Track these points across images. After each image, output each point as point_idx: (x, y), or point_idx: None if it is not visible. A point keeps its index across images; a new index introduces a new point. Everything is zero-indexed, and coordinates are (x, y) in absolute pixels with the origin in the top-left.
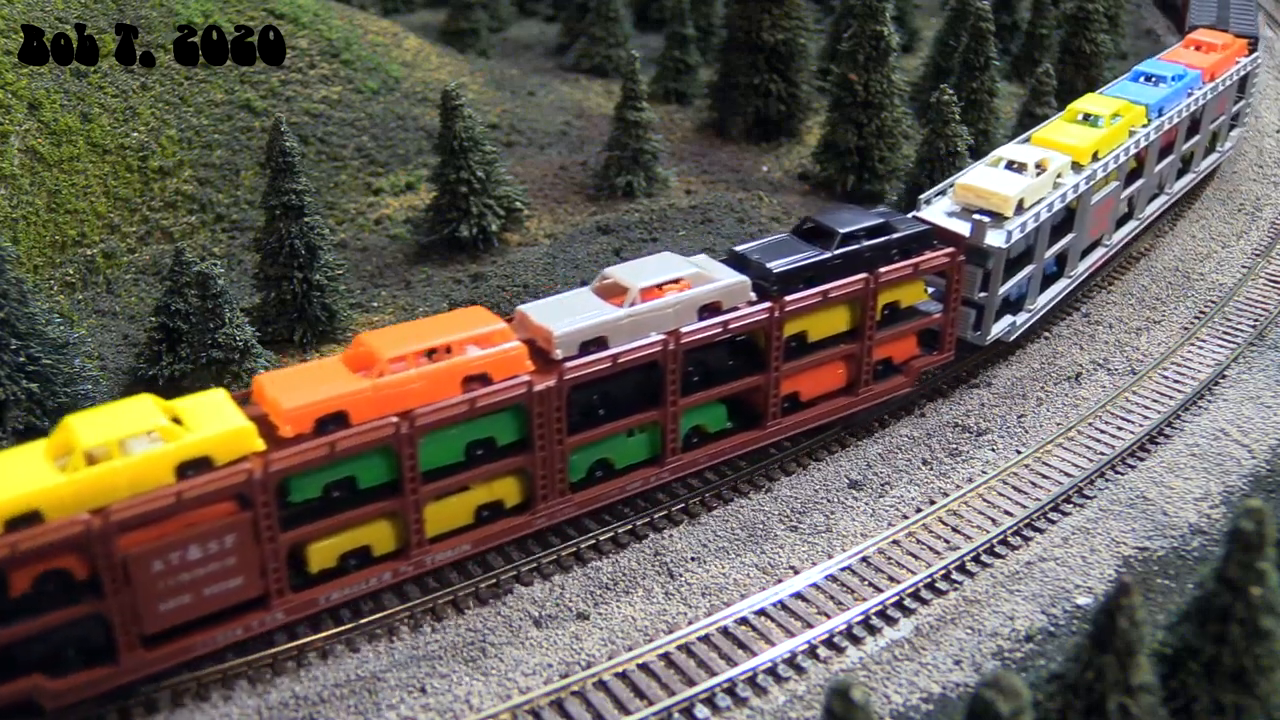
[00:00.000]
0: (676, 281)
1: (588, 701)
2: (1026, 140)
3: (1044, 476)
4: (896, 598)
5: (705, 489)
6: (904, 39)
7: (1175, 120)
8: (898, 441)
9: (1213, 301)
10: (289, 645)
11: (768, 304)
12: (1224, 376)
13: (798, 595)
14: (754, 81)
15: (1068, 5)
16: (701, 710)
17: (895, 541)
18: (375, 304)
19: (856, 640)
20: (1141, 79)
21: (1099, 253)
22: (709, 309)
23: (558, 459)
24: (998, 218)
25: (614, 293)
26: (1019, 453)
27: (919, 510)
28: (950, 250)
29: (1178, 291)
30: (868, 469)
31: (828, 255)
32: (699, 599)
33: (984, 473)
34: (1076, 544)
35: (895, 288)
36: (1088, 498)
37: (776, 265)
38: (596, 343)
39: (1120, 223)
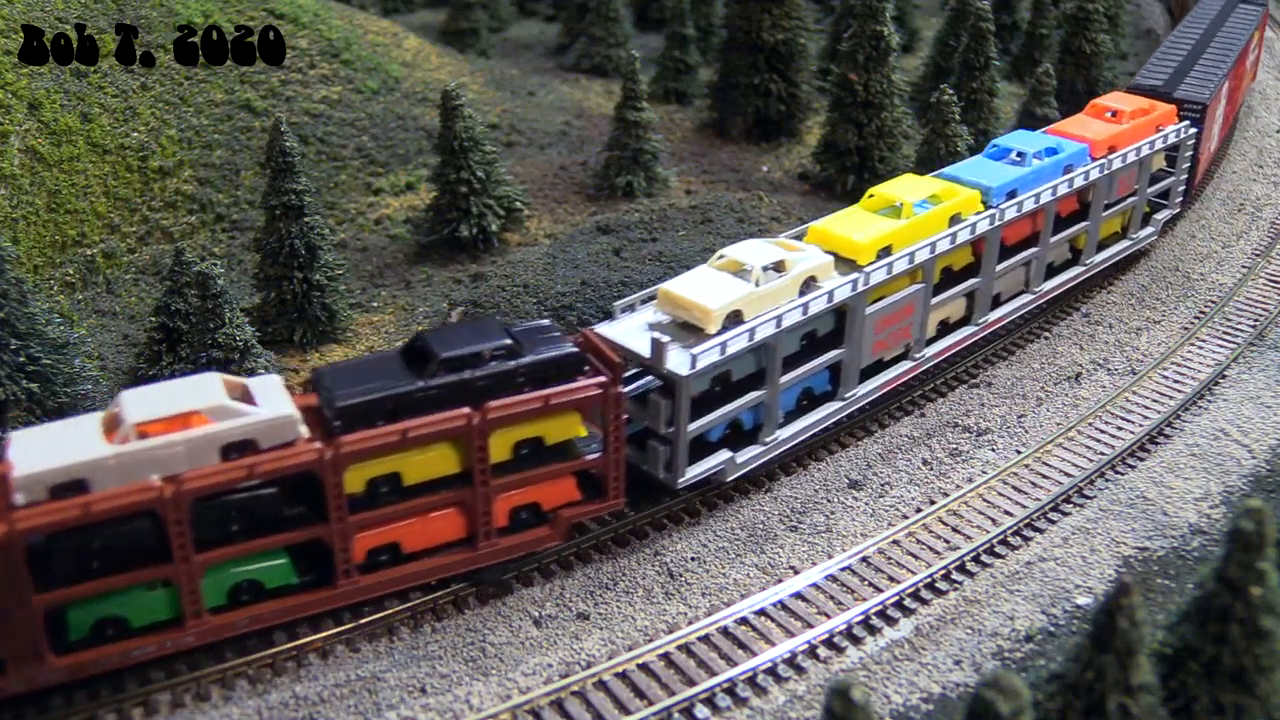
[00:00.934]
0: (190, 414)
1: (588, 701)
2: (803, 233)
3: (1044, 476)
4: (896, 598)
5: (705, 489)
6: (904, 39)
7: (1037, 205)
8: (898, 441)
9: (1213, 301)
10: (289, 645)
11: (318, 444)
12: (1224, 376)
13: (798, 595)
14: (754, 81)
15: (1068, 5)
16: (701, 710)
17: (895, 541)
18: (375, 304)
19: (856, 640)
20: (1002, 155)
21: (901, 368)
22: (238, 447)
23: (29, 621)
24: (701, 333)
25: (111, 426)
26: (1019, 453)
27: (919, 510)
28: (601, 380)
29: (1178, 291)
30: (868, 469)
31: (419, 385)
32: (699, 599)
33: (984, 473)
34: (1076, 544)
35: (529, 423)
36: (1088, 498)
37: (343, 397)
38: (74, 486)
39: (950, 329)
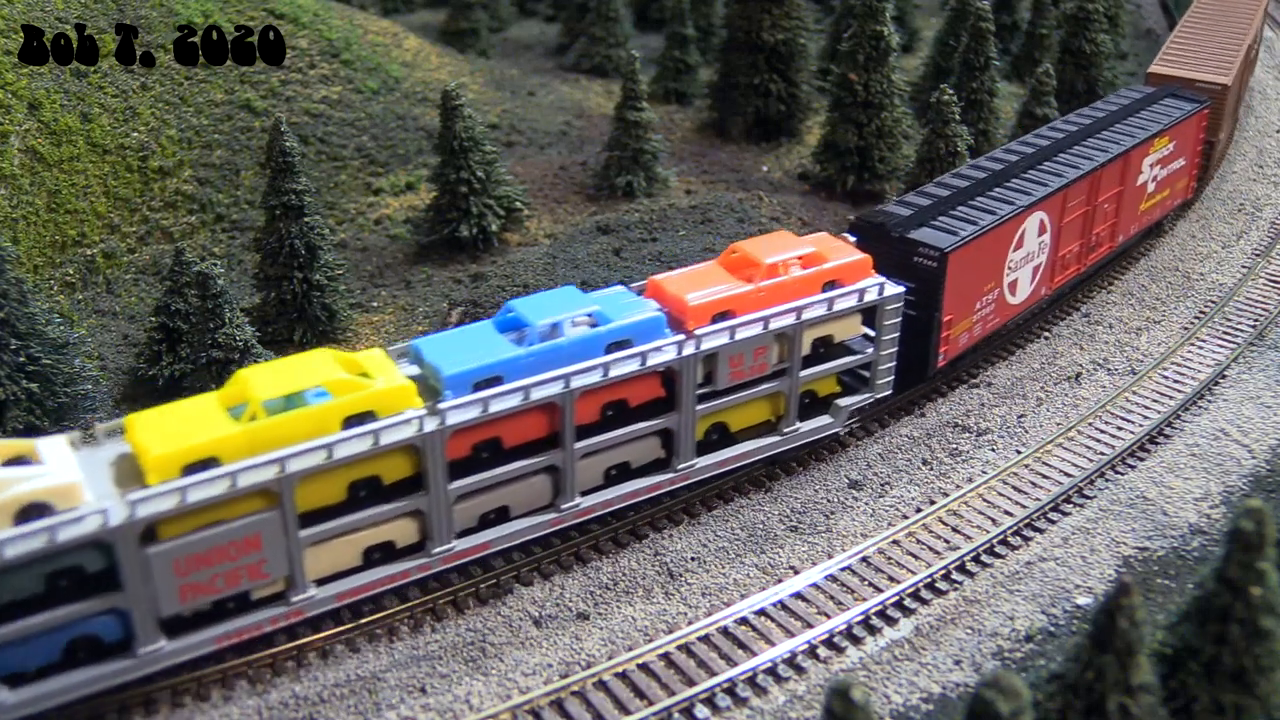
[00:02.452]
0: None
1: (588, 701)
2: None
3: (1044, 476)
4: (896, 598)
5: (706, 489)
6: (904, 39)
7: (526, 401)
8: (898, 441)
9: (1213, 301)
10: (289, 645)
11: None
12: (1224, 376)
13: (798, 595)
14: (754, 81)
15: (1068, 5)
16: (701, 710)
17: (895, 541)
18: (375, 304)
19: (856, 640)
20: (514, 325)
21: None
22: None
23: None
24: None
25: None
26: (1019, 453)
27: (919, 510)
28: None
29: (1178, 291)
30: (868, 469)
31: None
32: (699, 599)
33: (984, 473)
34: (1076, 544)
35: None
36: (1088, 498)
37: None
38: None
39: (378, 560)
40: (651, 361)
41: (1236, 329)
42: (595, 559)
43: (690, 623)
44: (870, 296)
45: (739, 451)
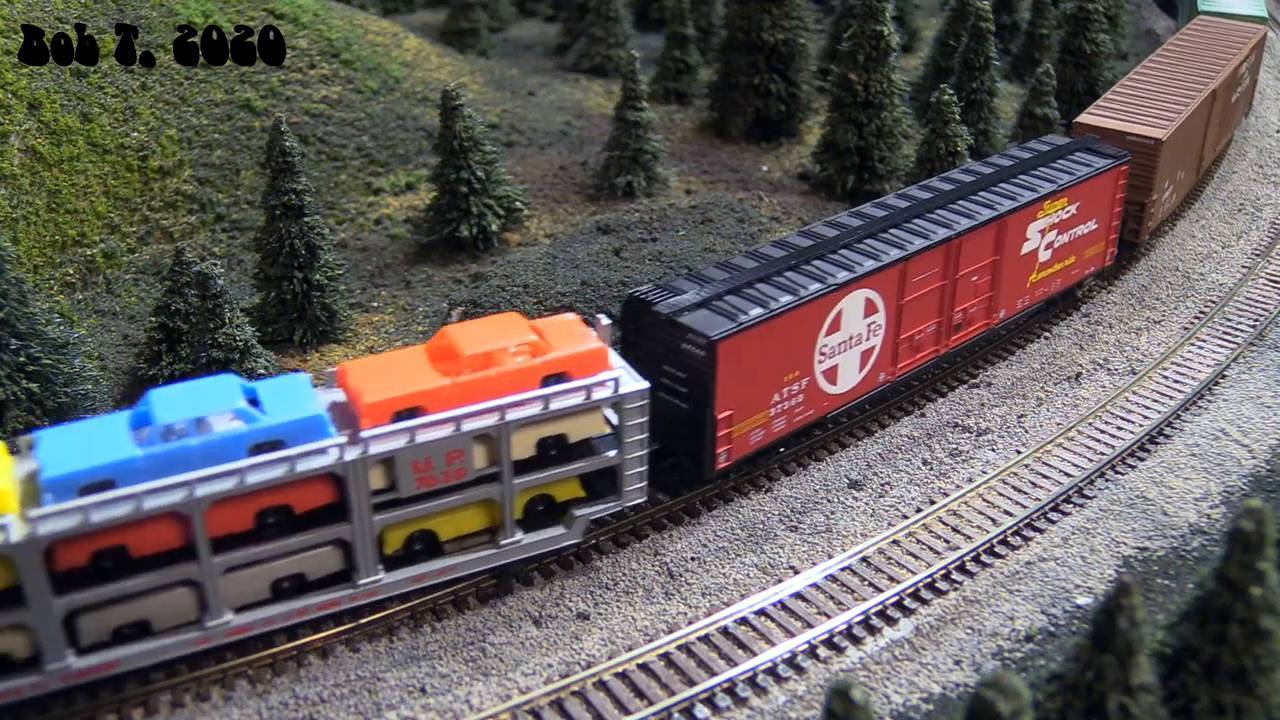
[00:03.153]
0: None
1: (588, 701)
2: None
3: (1044, 476)
4: (896, 598)
5: (705, 489)
6: (904, 39)
7: (178, 503)
8: (898, 441)
9: (1213, 301)
10: (289, 645)
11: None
12: (1224, 376)
13: (798, 595)
14: (754, 81)
15: (1068, 5)
16: (701, 710)
17: (895, 541)
18: (375, 304)
19: (856, 640)
20: (145, 423)
21: None
22: None
23: None
24: None
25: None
26: (1019, 453)
27: (919, 510)
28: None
29: (1178, 291)
30: (868, 469)
31: None
32: (699, 599)
33: (984, 473)
34: (1076, 544)
35: None
36: (1088, 498)
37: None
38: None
39: None
40: (303, 467)
41: (1236, 329)
42: (595, 559)
43: (690, 623)
44: (601, 393)
45: (441, 566)
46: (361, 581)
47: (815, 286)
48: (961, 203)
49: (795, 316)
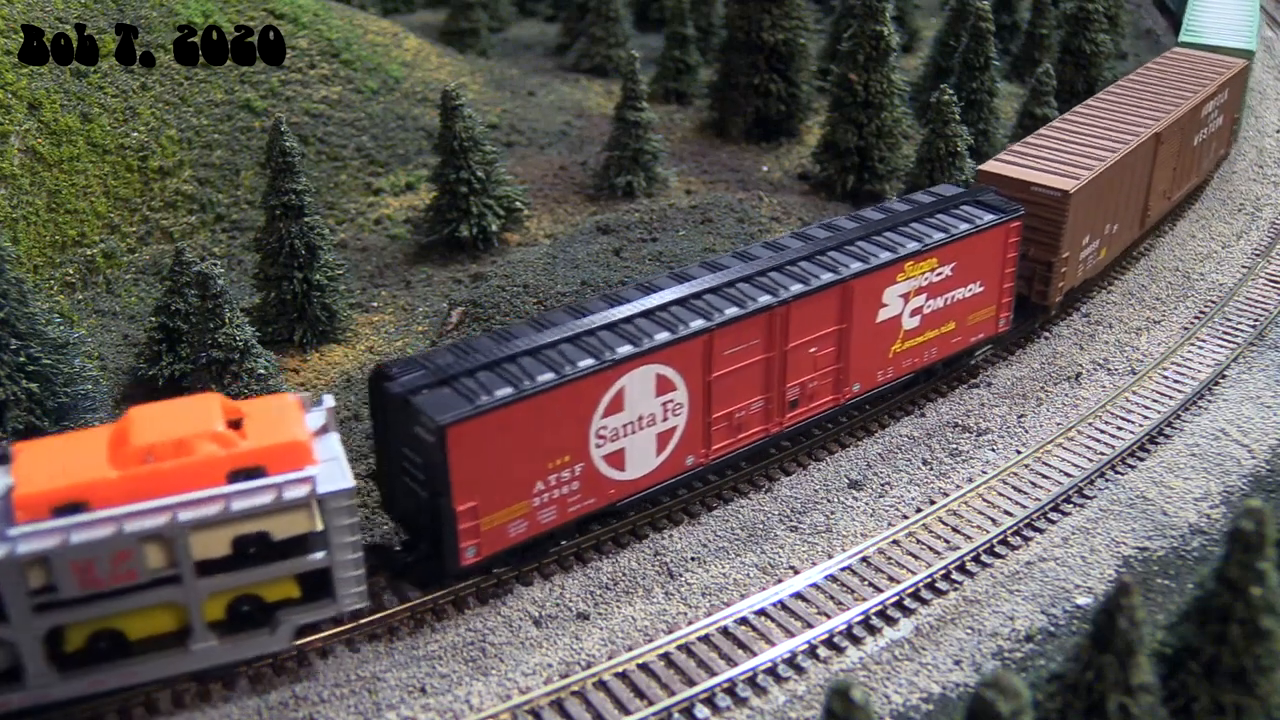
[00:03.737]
0: None
1: (588, 701)
2: None
3: (1044, 476)
4: (896, 598)
5: (706, 489)
6: (904, 39)
7: None
8: (898, 441)
9: (1213, 301)
10: (289, 645)
11: None
12: (1224, 376)
13: (798, 595)
14: (754, 81)
15: (1068, 5)
16: (701, 710)
17: (895, 541)
18: (375, 304)
19: (856, 640)
20: None
21: None
22: None
23: None
24: None
25: None
26: (1019, 453)
27: (919, 510)
28: None
29: (1178, 291)
30: (868, 469)
31: None
32: (699, 599)
33: (984, 473)
34: (1076, 544)
35: None
36: (1088, 498)
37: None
38: None
39: None
40: None
41: (1236, 329)
42: (595, 559)
43: (690, 623)
44: (295, 493)
45: (122, 672)
46: (31, 683)
47: (587, 363)
48: (804, 264)
49: (557, 396)
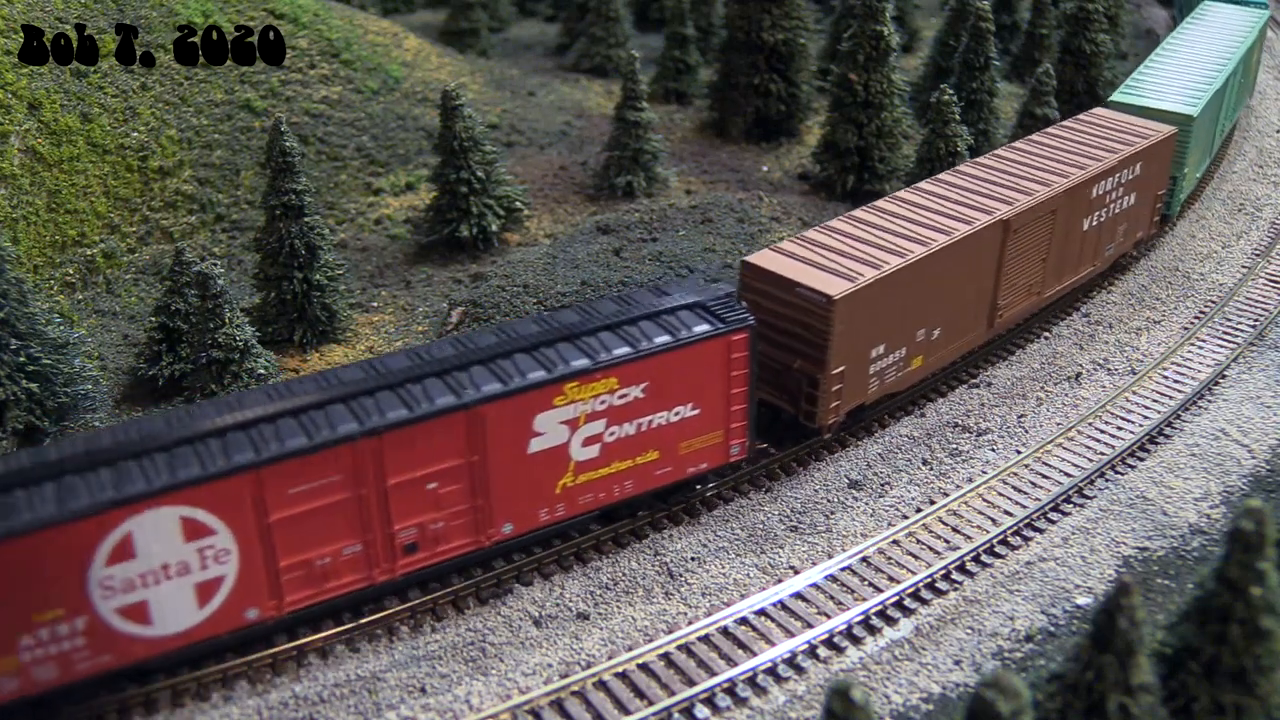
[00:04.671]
0: None
1: (588, 701)
2: None
3: (1044, 476)
4: (896, 598)
5: (706, 490)
6: (904, 39)
7: None
8: (898, 441)
9: (1213, 301)
10: (289, 645)
11: None
12: (1224, 376)
13: (798, 595)
14: (754, 81)
15: (1068, 5)
16: (701, 710)
17: (895, 541)
18: (375, 304)
19: (856, 640)
20: None
21: None
22: None
23: None
24: None
25: None
26: (1019, 453)
27: (919, 510)
28: None
29: (1178, 291)
30: (868, 469)
31: None
32: (699, 599)
33: (984, 473)
34: (1076, 544)
35: None
36: (1088, 498)
37: None
38: None
39: None
40: None
41: (1236, 329)
42: (595, 559)
43: (690, 623)
44: None
45: None
46: None
47: (81, 504)
48: (414, 387)
49: (28, 545)
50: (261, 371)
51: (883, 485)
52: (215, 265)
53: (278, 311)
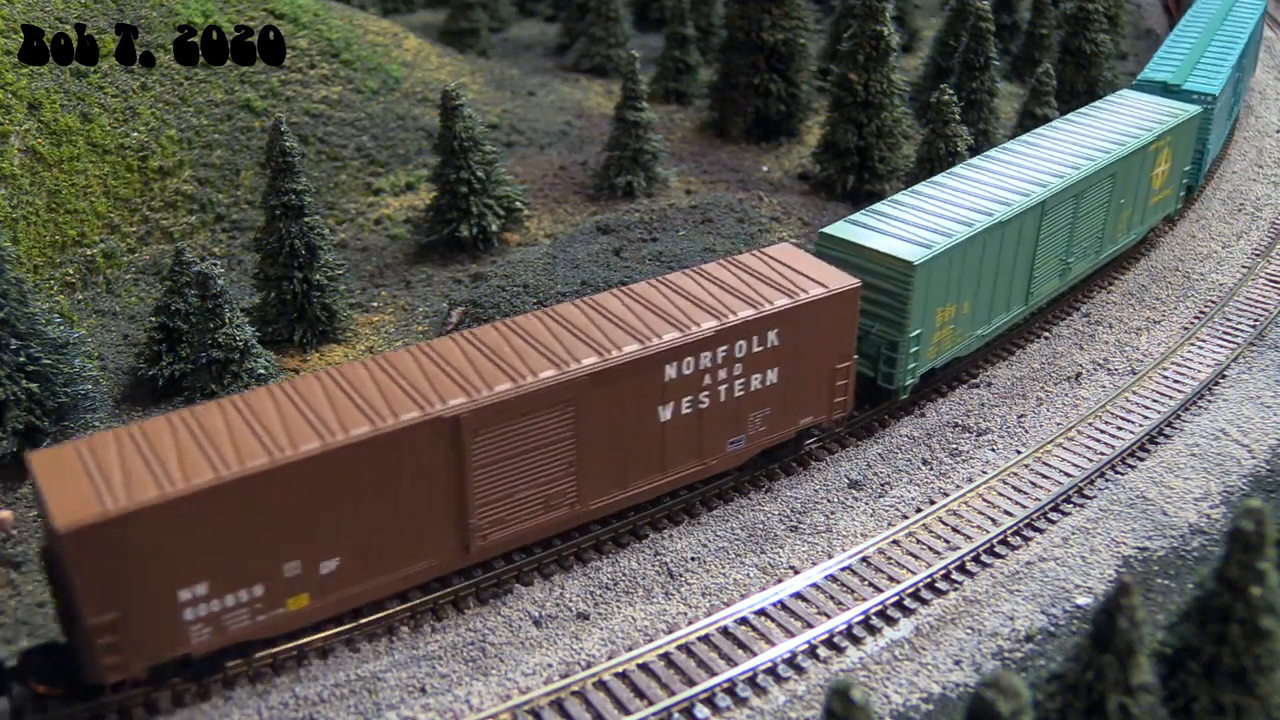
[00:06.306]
0: None
1: (588, 701)
2: None
3: (1044, 476)
4: (896, 598)
5: (706, 490)
6: (904, 39)
7: None
8: (898, 441)
9: (1213, 301)
10: (289, 645)
11: None
12: (1224, 376)
13: (798, 595)
14: (754, 81)
15: (1068, 5)
16: (701, 710)
17: (895, 541)
18: (375, 304)
19: (856, 640)
20: None
21: None
22: None
23: None
24: None
25: None
26: (1019, 453)
27: (919, 510)
28: None
29: (1178, 291)
30: (868, 469)
31: None
32: (699, 599)
33: (984, 473)
34: (1076, 544)
35: None
36: (1088, 498)
37: None
38: None
39: None
40: None
41: (1236, 329)
42: (595, 559)
43: (690, 623)
44: None
45: None
46: None
47: None
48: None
49: None
50: (261, 371)
51: (883, 485)
52: (215, 265)
53: (278, 311)
